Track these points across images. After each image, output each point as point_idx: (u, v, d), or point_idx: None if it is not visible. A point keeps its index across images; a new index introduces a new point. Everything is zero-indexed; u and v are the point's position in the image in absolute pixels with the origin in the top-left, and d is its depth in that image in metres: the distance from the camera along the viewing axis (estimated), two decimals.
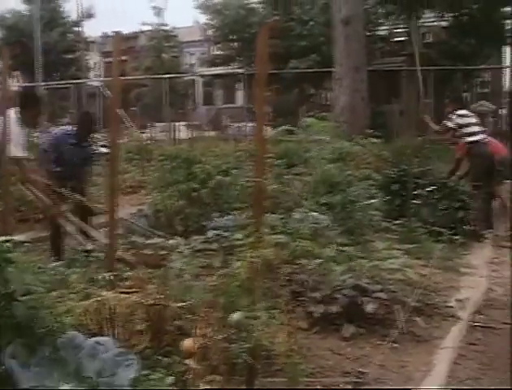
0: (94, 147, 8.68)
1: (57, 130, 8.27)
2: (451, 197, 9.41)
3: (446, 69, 31.04)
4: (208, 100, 58.34)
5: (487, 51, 36.03)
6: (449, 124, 10.08)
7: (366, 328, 5.32)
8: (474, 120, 10.45)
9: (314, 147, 5.67)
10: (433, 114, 25.67)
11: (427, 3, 34.38)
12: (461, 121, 9.93)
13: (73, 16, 50.07)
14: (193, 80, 53.52)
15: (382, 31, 43.84)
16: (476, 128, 10.15)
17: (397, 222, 9.18)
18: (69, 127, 8.37)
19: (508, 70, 39.97)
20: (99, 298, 3.75)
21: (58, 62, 46.14)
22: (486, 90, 43.63)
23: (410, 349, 5.06)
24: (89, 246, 6.35)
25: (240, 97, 47.90)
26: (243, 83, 34.08)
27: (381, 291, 5.58)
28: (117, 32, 3.89)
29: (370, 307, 5.25)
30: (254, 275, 3.33)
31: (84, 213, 8.04)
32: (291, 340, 3.44)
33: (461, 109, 10.23)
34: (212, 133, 27.47)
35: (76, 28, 49.78)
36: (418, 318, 5.53)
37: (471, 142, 9.92)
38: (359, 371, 4.46)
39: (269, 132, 13.90)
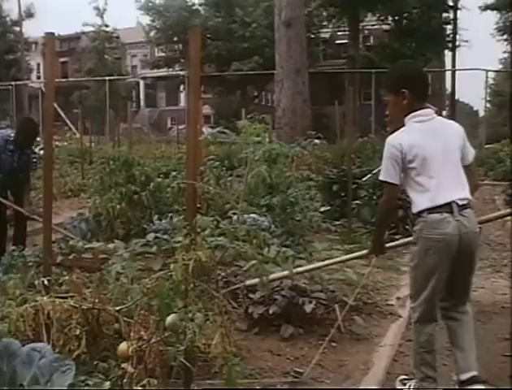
0: (36, 151, 8.51)
1: None
2: None
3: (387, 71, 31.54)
4: (151, 102, 58.08)
5: (427, 54, 36.77)
6: None
7: (305, 328, 5.34)
8: None
9: (247, 149, 5.66)
10: (373, 114, 26.17)
11: (369, 7, 34.97)
12: None
13: (13, 16, 49.29)
14: (136, 82, 53.22)
15: (325, 33, 44.34)
16: None
17: (338, 222, 9.28)
18: (9, 132, 8.09)
19: (449, 73, 40.90)
20: (34, 303, 3.69)
21: None
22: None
23: (348, 348, 5.10)
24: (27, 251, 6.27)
25: (183, 98, 47.88)
26: (186, 85, 34.03)
27: (320, 291, 5.62)
28: (49, 33, 3.78)
29: (308, 307, 5.28)
30: (187, 277, 3.32)
31: (22, 220, 7.93)
32: (228, 341, 3.44)
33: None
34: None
35: (16, 28, 49.00)
36: (357, 317, 5.57)
37: None
38: (295, 371, 4.48)
39: (205, 133, 13.85)
